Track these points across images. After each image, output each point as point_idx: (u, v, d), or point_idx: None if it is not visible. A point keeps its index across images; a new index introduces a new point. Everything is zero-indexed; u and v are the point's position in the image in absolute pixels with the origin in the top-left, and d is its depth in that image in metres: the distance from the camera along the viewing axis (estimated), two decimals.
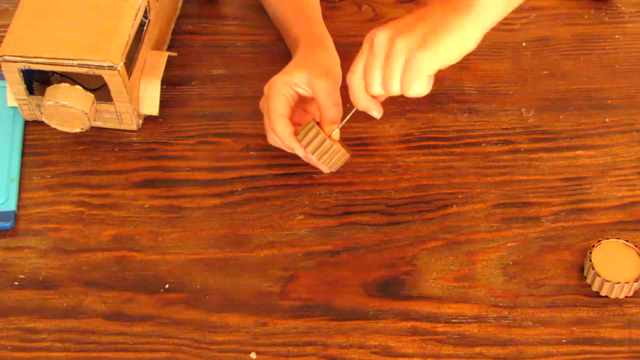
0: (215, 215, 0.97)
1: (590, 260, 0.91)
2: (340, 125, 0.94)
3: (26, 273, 0.93)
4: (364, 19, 1.16)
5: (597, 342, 0.88)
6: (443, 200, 0.98)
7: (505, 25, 1.14)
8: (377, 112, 0.91)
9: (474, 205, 0.98)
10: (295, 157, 1.00)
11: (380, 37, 0.86)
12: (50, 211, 0.97)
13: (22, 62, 0.96)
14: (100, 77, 0.97)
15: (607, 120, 1.05)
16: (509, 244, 0.95)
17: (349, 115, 0.93)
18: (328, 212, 0.97)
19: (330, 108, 0.95)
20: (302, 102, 0.98)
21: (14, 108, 1.04)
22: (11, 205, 0.97)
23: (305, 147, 0.94)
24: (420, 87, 0.85)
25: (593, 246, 0.92)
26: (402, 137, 1.03)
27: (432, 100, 1.06)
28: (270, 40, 1.12)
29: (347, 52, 1.06)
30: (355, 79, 0.89)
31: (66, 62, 0.96)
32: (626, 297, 0.91)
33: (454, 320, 0.89)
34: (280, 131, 0.95)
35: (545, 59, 1.11)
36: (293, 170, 1.00)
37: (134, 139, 1.03)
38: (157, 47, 1.07)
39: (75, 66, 0.96)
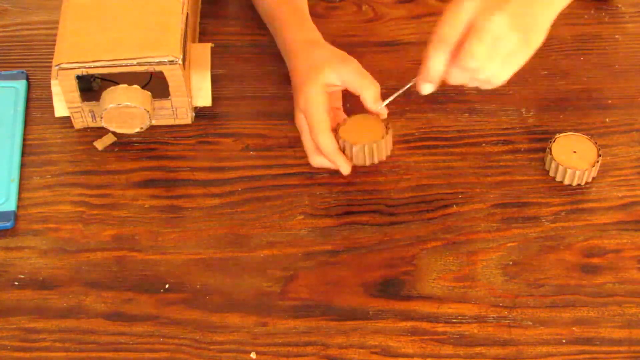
0: (215, 215, 0.97)
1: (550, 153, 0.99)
2: (392, 98, 0.93)
3: (26, 273, 0.93)
4: (364, 19, 1.16)
5: (597, 342, 0.88)
6: (443, 200, 0.98)
7: None
8: (433, 87, 0.90)
9: (474, 205, 0.98)
10: (295, 157, 1.00)
11: (498, 24, 0.83)
12: (50, 211, 0.97)
13: (79, 67, 0.96)
14: (141, 76, 0.98)
15: (607, 120, 1.05)
16: (509, 244, 0.95)
17: (404, 89, 0.92)
18: (328, 212, 0.97)
19: (368, 86, 0.93)
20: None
21: (14, 108, 1.04)
22: (11, 205, 0.97)
23: (352, 162, 0.93)
24: (505, 80, 0.87)
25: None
26: (402, 137, 1.03)
27: (432, 100, 1.06)
28: (270, 40, 1.12)
29: (347, 52, 1.06)
30: (444, 54, 0.86)
31: (126, 62, 0.96)
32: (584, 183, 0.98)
33: (454, 320, 0.89)
34: (327, 147, 0.92)
35: (545, 59, 1.11)
36: (293, 170, 1.00)
37: (134, 138, 1.03)
38: (192, 40, 1.07)
39: (135, 65, 0.96)
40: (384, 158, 0.94)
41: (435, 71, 0.87)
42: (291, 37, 1.03)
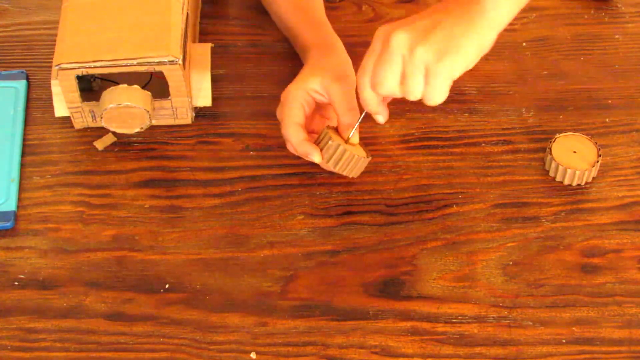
0: (215, 215, 0.97)
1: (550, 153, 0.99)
2: (354, 129, 0.94)
3: (26, 273, 0.93)
4: (364, 19, 1.16)
5: (597, 342, 0.88)
6: (443, 200, 0.98)
7: None
8: (382, 117, 0.91)
9: (474, 205, 0.98)
10: (295, 157, 1.00)
11: (398, 40, 0.84)
12: (50, 211, 0.97)
13: (79, 68, 0.96)
14: (141, 76, 0.98)
15: (607, 120, 1.05)
16: (509, 244, 0.95)
17: (361, 117, 0.93)
18: (328, 212, 0.97)
19: (346, 112, 0.94)
20: (319, 109, 0.98)
21: (14, 108, 1.04)
22: (11, 205, 0.97)
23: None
24: (442, 96, 0.86)
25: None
26: (402, 137, 1.03)
27: None
28: (270, 40, 1.12)
29: (348, 52, 1.06)
30: (366, 80, 0.88)
31: (126, 62, 0.96)
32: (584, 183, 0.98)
33: (454, 320, 0.89)
34: (292, 138, 0.94)
35: (545, 59, 1.12)
36: (293, 170, 1.00)
37: (134, 138, 1.03)
38: (192, 40, 1.07)
39: (135, 65, 0.96)
40: (344, 173, 0.94)
41: (369, 102, 0.89)
42: (307, 38, 1.04)
